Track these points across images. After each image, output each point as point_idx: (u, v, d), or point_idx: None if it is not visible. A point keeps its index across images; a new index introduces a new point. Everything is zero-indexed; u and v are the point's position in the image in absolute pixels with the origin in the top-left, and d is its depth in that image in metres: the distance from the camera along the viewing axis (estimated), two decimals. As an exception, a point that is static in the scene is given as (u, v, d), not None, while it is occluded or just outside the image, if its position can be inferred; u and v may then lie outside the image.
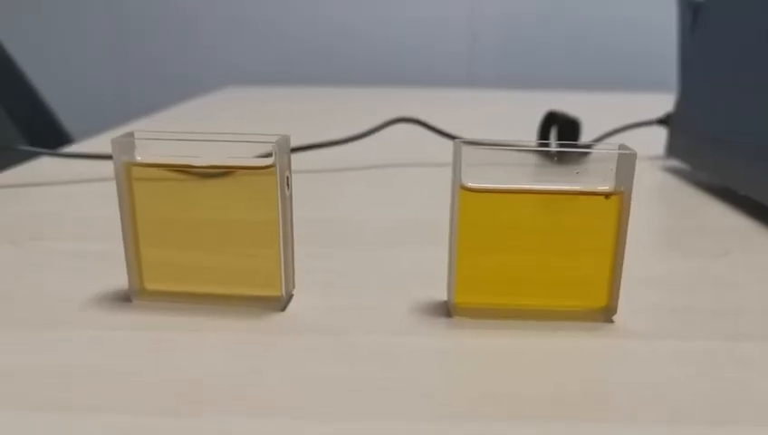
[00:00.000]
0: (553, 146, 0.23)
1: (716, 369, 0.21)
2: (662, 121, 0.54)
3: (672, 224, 0.40)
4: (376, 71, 1.45)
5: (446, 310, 0.25)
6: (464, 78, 1.45)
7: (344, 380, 0.20)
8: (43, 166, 0.48)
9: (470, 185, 0.23)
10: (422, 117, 0.54)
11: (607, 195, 0.23)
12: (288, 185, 0.24)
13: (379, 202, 0.43)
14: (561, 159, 0.23)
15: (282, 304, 0.25)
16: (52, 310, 0.25)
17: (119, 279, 0.26)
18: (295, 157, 0.46)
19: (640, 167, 0.51)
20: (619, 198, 0.23)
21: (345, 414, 0.18)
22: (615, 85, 1.11)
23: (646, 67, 1.22)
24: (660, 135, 0.54)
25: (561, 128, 0.52)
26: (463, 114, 0.84)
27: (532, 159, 0.24)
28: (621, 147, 0.23)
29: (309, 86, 1.07)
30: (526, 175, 0.23)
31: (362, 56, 1.47)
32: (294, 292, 0.26)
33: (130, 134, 0.24)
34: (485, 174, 0.23)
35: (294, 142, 0.48)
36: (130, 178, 0.24)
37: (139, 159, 0.24)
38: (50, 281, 0.28)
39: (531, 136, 0.54)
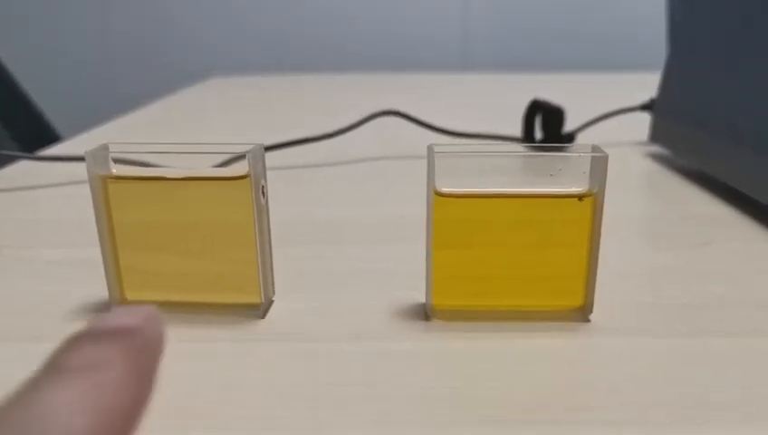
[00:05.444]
0: (535, 140, 0.23)
1: (692, 367, 0.22)
2: (646, 107, 0.55)
3: (653, 213, 0.40)
4: (366, 55, 1.44)
5: (425, 313, 0.25)
6: (456, 61, 1.45)
7: (324, 388, 0.20)
8: (23, 169, 0.48)
9: (444, 190, 0.23)
10: (412, 103, 0.54)
11: (580, 197, 0.23)
12: (263, 194, 0.24)
13: (363, 198, 0.43)
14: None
15: (262, 311, 0.25)
16: (34, 322, 0.25)
17: (101, 288, 0.26)
18: (277, 153, 0.46)
19: (624, 152, 0.51)
20: (593, 199, 0.23)
21: (325, 423, 0.19)
22: (610, 66, 1.11)
23: (640, 47, 1.22)
24: (647, 119, 0.54)
25: (545, 116, 0.52)
26: (454, 95, 0.83)
27: (509, 160, 0.24)
28: (594, 148, 0.23)
29: (299, 74, 1.06)
30: (502, 175, 0.23)
31: (352, 41, 1.47)
32: (275, 297, 0.26)
33: (105, 147, 0.24)
34: (461, 174, 0.23)
35: (282, 134, 0.48)
36: (106, 191, 0.24)
37: (114, 171, 0.24)
38: (31, 291, 0.28)
39: (518, 120, 0.54)
